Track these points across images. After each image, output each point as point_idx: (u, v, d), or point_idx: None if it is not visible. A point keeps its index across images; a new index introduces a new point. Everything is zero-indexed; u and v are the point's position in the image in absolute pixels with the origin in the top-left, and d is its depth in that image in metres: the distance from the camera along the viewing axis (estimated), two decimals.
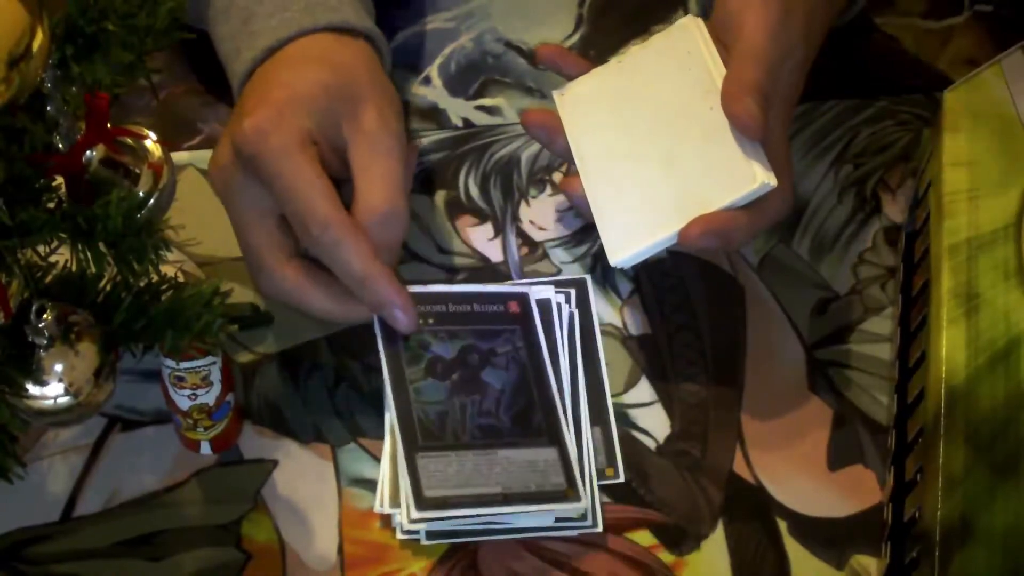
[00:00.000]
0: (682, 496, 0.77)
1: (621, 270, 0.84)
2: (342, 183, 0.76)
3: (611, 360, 0.81)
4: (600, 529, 0.76)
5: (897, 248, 0.85)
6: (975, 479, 0.70)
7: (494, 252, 0.85)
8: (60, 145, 0.67)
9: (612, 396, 0.80)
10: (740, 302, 0.84)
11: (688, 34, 0.81)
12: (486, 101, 0.91)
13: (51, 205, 0.66)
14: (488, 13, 0.95)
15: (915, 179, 0.87)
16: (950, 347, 0.73)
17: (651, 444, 0.79)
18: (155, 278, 0.70)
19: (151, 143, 0.73)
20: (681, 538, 0.76)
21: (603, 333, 0.82)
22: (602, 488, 0.77)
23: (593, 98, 0.82)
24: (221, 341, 0.73)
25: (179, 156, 0.87)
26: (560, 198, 0.87)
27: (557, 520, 0.76)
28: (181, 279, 0.71)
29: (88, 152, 0.70)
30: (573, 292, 0.83)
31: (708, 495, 0.78)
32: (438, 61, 0.92)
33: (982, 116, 0.81)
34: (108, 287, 0.70)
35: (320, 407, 0.80)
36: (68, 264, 0.69)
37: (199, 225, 0.80)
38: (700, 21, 0.81)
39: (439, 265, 0.85)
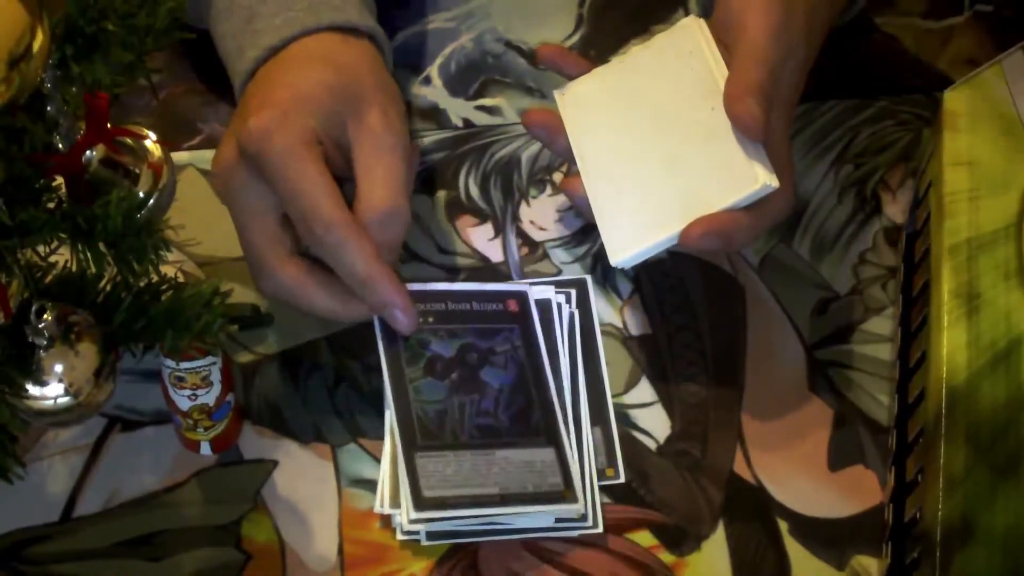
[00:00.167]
0: (682, 496, 0.77)
1: (621, 270, 0.84)
2: (344, 182, 0.76)
3: (611, 360, 0.81)
4: (600, 529, 0.76)
5: (898, 248, 0.85)
6: (976, 479, 0.70)
7: (494, 252, 0.85)
8: (60, 145, 0.67)
9: (612, 396, 0.80)
10: (740, 302, 0.84)
11: (690, 34, 0.81)
12: (486, 101, 0.91)
13: (51, 205, 0.66)
14: (488, 13, 0.95)
15: (915, 179, 0.87)
16: (951, 347, 0.73)
17: (651, 444, 0.79)
18: (155, 278, 0.70)
19: (151, 143, 0.73)
20: (681, 538, 0.76)
21: (603, 333, 0.82)
22: (602, 488, 0.77)
23: (594, 98, 0.82)
24: (221, 341, 0.73)
25: (179, 156, 0.87)
26: (560, 198, 0.87)
27: (557, 520, 0.76)
28: (181, 279, 0.71)
29: (88, 152, 0.70)
30: (573, 292, 0.83)
31: (708, 495, 0.78)
32: (438, 61, 0.92)
33: (982, 116, 0.81)
34: (108, 287, 0.70)
35: (320, 407, 0.80)
36: (68, 264, 0.69)
37: (199, 225, 0.80)
38: (702, 21, 0.81)
39: (439, 265, 0.84)
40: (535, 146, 0.89)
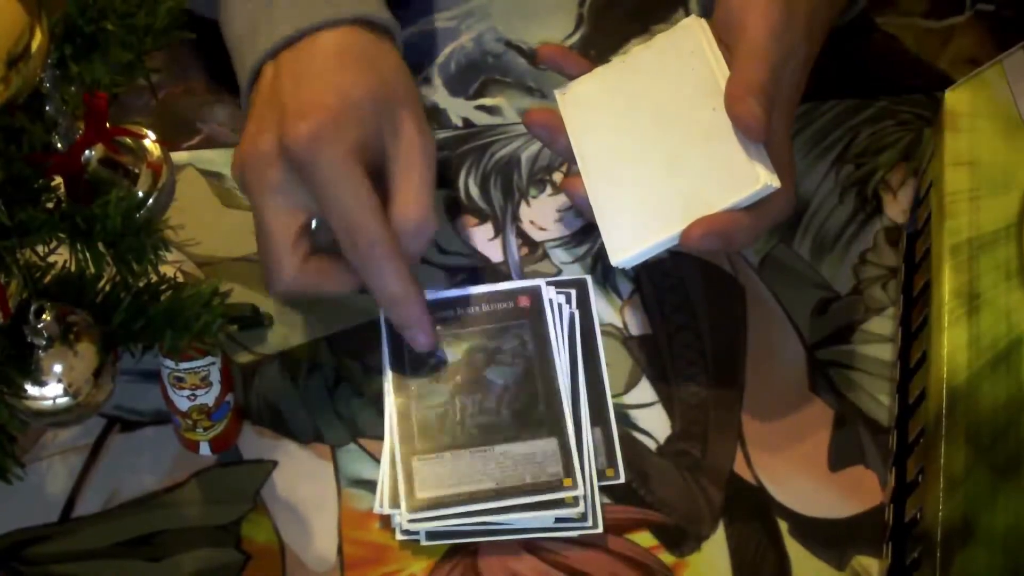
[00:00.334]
0: (682, 497, 0.77)
1: (622, 270, 0.84)
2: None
3: (611, 360, 0.81)
4: (600, 530, 0.76)
5: (898, 248, 0.85)
6: (976, 480, 0.70)
7: (494, 252, 0.85)
8: (59, 145, 0.67)
9: (612, 396, 0.80)
10: (741, 302, 0.84)
11: (691, 34, 0.81)
12: (486, 101, 0.91)
13: (50, 205, 0.66)
14: (488, 13, 0.94)
15: (916, 179, 0.87)
16: (951, 347, 0.73)
17: (651, 444, 0.79)
18: (154, 278, 0.70)
19: (150, 143, 0.73)
20: (681, 539, 0.76)
21: (603, 333, 0.82)
22: (602, 489, 0.77)
23: (595, 97, 0.82)
24: (220, 341, 0.73)
25: (178, 156, 0.87)
26: (560, 198, 0.87)
27: (557, 521, 0.76)
28: (180, 279, 0.71)
29: (87, 152, 0.70)
30: (573, 292, 0.83)
31: (708, 496, 0.77)
32: (438, 61, 0.92)
33: (983, 116, 0.80)
34: (107, 287, 0.70)
35: (320, 407, 0.80)
36: (67, 264, 0.69)
37: (198, 225, 0.80)
38: (703, 21, 0.81)
39: (439, 265, 0.84)
40: (535, 146, 0.89)
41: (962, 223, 0.77)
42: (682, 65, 0.80)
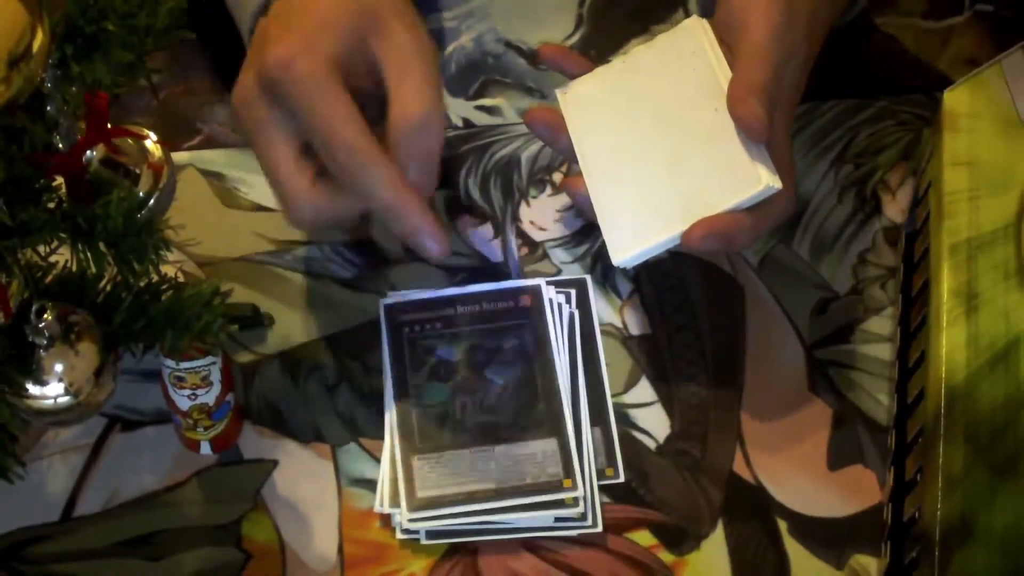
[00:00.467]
0: (682, 496, 0.78)
1: (621, 270, 0.84)
2: (366, 106, 0.74)
3: (611, 360, 0.81)
4: (600, 529, 0.76)
5: (897, 248, 0.85)
6: (975, 479, 0.70)
7: (494, 252, 0.85)
8: (60, 145, 0.67)
9: (612, 396, 0.80)
10: (740, 302, 0.84)
11: (693, 35, 0.81)
12: (486, 101, 0.91)
13: (51, 205, 0.66)
14: (488, 13, 0.95)
15: (915, 179, 0.87)
16: (950, 347, 0.74)
17: (651, 444, 0.79)
18: (155, 278, 0.70)
19: (151, 143, 0.73)
20: (681, 538, 0.76)
21: (603, 333, 0.82)
22: (602, 488, 0.77)
23: (596, 97, 0.82)
24: (221, 341, 0.73)
25: (179, 156, 0.87)
26: (560, 198, 0.87)
27: (557, 520, 0.76)
28: (181, 279, 0.71)
29: (88, 152, 0.70)
30: (573, 292, 0.83)
31: (708, 495, 0.78)
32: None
33: (982, 116, 0.81)
34: (108, 287, 0.70)
35: (320, 407, 0.80)
36: (68, 264, 0.69)
37: (199, 225, 0.81)
38: (705, 22, 0.81)
39: (439, 265, 0.85)
40: (535, 146, 0.89)
41: (961, 223, 0.77)
42: (684, 65, 0.80)
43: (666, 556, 0.76)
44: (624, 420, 0.80)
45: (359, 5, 0.75)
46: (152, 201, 0.72)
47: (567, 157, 0.85)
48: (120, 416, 0.80)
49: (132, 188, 0.71)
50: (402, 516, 0.75)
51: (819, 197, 0.87)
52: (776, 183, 0.75)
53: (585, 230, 0.86)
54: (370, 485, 0.77)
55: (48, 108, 0.66)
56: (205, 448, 0.78)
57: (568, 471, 0.76)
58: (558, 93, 0.83)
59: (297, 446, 0.79)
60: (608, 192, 0.79)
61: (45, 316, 0.67)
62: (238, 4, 0.81)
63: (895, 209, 0.87)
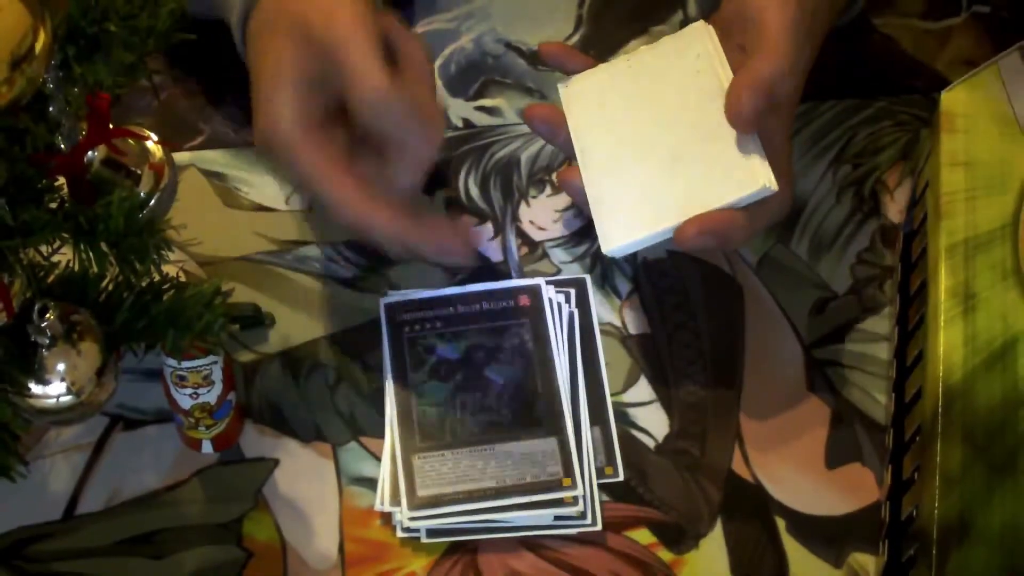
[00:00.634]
0: (681, 495, 0.78)
1: (621, 270, 0.84)
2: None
3: (610, 360, 0.82)
4: (599, 527, 0.76)
5: (895, 248, 0.85)
6: (972, 478, 0.70)
7: (494, 252, 0.86)
8: (62, 145, 0.67)
9: (611, 395, 0.80)
10: (739, 302, 0.84)
11: (699, 38, 0.81)
12: (486, 102, 0.91)
13: (53, 205, 0.66)
14: (488, 14, 0.95)
15: (913, 179, 0.87)
16: (947, 346, 0.74)
17: (650, 443, 0.79)
18: (157, 278, 0.70)
19: (152, 143, 0.73)
20: (680, 536, 0.77)
21: (602, 333, 0.82)
22: (601, 487, 0.77)
23: (598, 92, 0.82)
24: (222, 340, 0.73)
25: (180, 156, 0.87)
26: (560, 198, 0.87)
27: (556, 519, 0.76)
28: (183, 279, 0.71)
29: (90, 152, 0.70)
30: (573, 292, 0.83)
31: (707, 494, 0.78)
32: (438, 62, 0.93)
33: (980, 117, 0.81)
34: (110, 287, 0.71)
35: (321, 406, 0.80)
36: (70, 264, 0.69)
37: (200, 225, 0.81)
38: (711, 27, 0.81)
39: (439, 265, 0.85)
40: (535, 146, 0.89)
41: (958, 223, 0.78)
42: (687, 66, 0.80)
43: (665, 554, 0.76)
44: (623, 419, 0.80)
45: (312, 51, 0.75)
46: (153, 201, 0.72)
47: (566, 152, 0.85)
48: (122, 415, 0.80)
49: (133, 188, 0.71)
50: (402, 515, 0.75)
51: (817, 197, 0.87)
52: (773, 184, 0.75)
53: (585, 230, 0.86)
54: (371, 484, 0.77)
55: (50, 109, 0.66)
56: (206, 447, 0.78)
57: (568, 470, 0.76)
58: (559, 86, 0.83)
59: (298, 445, 0.79)
60: (603, 184, 0.79)
61: (47, 316, 0.67)
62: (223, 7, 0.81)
63: (893, 209, 0.87)
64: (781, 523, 0.77)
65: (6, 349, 0.68)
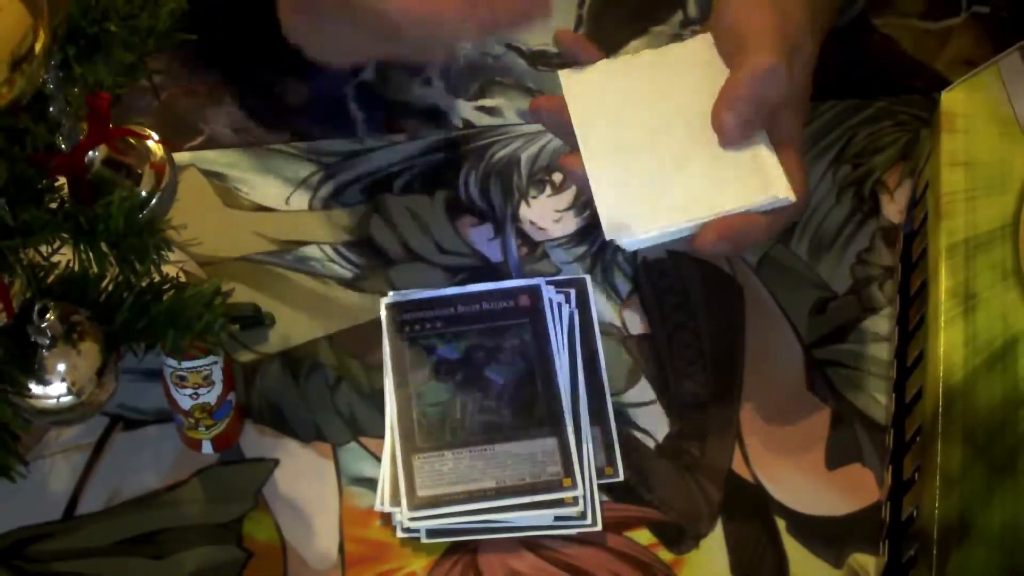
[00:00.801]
0: (681, 495, 0.78)
1: (621, 270, 0.84)
2: None
3: (611, 360, 0.82)
4: (599, 528, 0.76)
5: (895, 248, 0.85)
6: (973, 478, 0.70)
7: (494, 252, 0.86)
8: (62, 146, 0.67)
9: (612, 396, 0.80)
10: (739, 302, 0.84)
11: (707, 46, 0.80)
12: (486, 102, 0.91)
13: (53, 205, 0.66)
14: None
15: (913, 179, 0.87)
16: (948, 346, 0.74)
17: (650, 443, 0.79)
18: (157, 278, 0.70)
19: (153, 143, 0.73)
20: (680, 537, 0.77)
21: (603, 333, 0.82)
22: (601, 487, 0.77)
23: (600, 84, 0.81)
24: (222, 341, 0.73)
25: (181, 156, 0.87)
26: (560, 198, 0.87)
27: (556, 519, 0.76)
28: (183, 279, 0.72)
29: (90, 152, 0.70)
30: (573, 292, 0.83)
31: (707, 494, 0.78)
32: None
33: (980, 117, 0.81)
34: (110, 287, 0.71)
35: (321, 406, 0.80)
36: (70, 264, 0.69)
37: (200, 225, 0.81)
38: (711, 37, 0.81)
39: (439, 265, 0.85)
40: (535, 146, 0.89)
41: (958, 223, 0.78)
42: (697, 73, 0.79)
43: (665, 555, 0.76)
44: (623, 419, 0.80)
45: None
46: (154, 201, 0.72)
47: (570, 145, 0.84)
48: (122, 415, 0.80)
49: (134, 188, 0.71)
50: (402, 515, 0.75)
51: (817, 197, 0.87)
52: (791, 195, 0.74)
53: (585, 230, 0.86)
54: (371, 484, 0.78)
55: (50, 109, 0.66)
56: (206, 447, 0.78)
57: (568, 470, 0.76)
58: (560, 74, 0.82)
59: (298, 445, 0.79)
60: (607, 173, 0.78)
61: (47, 316, 0.67)
62: None
63: (893, 209, 0.87)
64: (781, 523, 0.77)
65: (6, 349, 0.68)
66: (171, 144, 0.76)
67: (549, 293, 0.82)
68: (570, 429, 0.78)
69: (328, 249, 0.85)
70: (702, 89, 0.78)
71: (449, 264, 0.85)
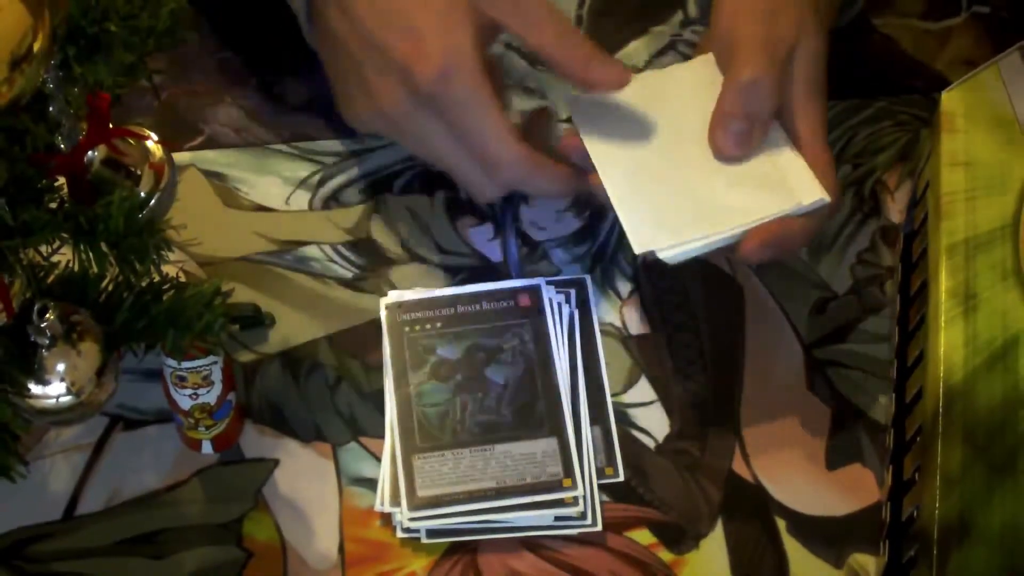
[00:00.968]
0: (681, 495, 0.78)
1: (621, 270, 0.84)
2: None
3: (611, 360, 0.82)
4: (599, 528, 0.76)
5: (895, 248, 0.85)
6: (973, 478, 0.70)
7: (494, 252, 0.86)
8: (62, 145, 0.67)
9: (612, 396, 0.80)
10: (739, 302, 0.84)
11: (710, 65, 0.80)
12: None
13: (53, 205, 0.66)
14: None
15: (913, 179, 0.87)
16: (948, 347, 0.74)
17: (650, 443, 0.79)
18: (157, 278, 0.70)
19: (152, 143, 0.73)
20: (680, 537, 0.77)
21: (603, 333, 0.82)
22: (602, 487, 0.77)
23: (610, 103, 0.81)
24: (222, 341, 0.73)
25: (180, 156, 0.87)
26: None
27: (557, 519, 0.76)
28: (182, 279, 0.72)
29: (90, 152, 0.70)
30: (573, 292, 0.83)
31: (707, 494, 0.78)
32: None
33: (980, 117, 0.81)
34: (110, 287, 0.71)
35: (321, 406, 0.80)
36: (70, 264, 0.69)
37: (200, 225, 0.81)
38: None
39: (439, 265, 0.85)
40: None
41: (958, 223, 0.78)
42: (706, 92, 0.79)
43: (665, 555, 0.76)
44: (624, 419, 0.80)
45: None
46: (153, 201, 0.72)
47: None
48: (122, 415, 0.80)
49: (133, 188, 0.72)
50: (402, 515, 0.75)
51: None
52: (825, 196, 0.75)
53: (585, 230, 0.86)
54: (371, 484, 0.77)
55: (50, 109, 0.66)
56: (206, 447, 0.78)
57: (568, 470, 0.76)
58: (566, 99, 0.82)
59: (298, 445, 0.79)
60: (630, 189, 0.77)
61: (47, 316, 0.67)
62: None
63: (893, 209, 0.87)
64: (782, 523, 0.77)
65: (6, 349, 0.68)
66: (171, 144, 0.76)
67: (549, 293, 0.82)
68: (570, 429, 0.78)
69: (328, 249, 0.85)
70: (709, 107, 0.78)
71: (449, 264, 0.85)
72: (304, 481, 0.78)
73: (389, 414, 0.79)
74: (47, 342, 0.68)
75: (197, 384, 0.75)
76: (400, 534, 0.76)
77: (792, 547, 0.76)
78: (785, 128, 0.78)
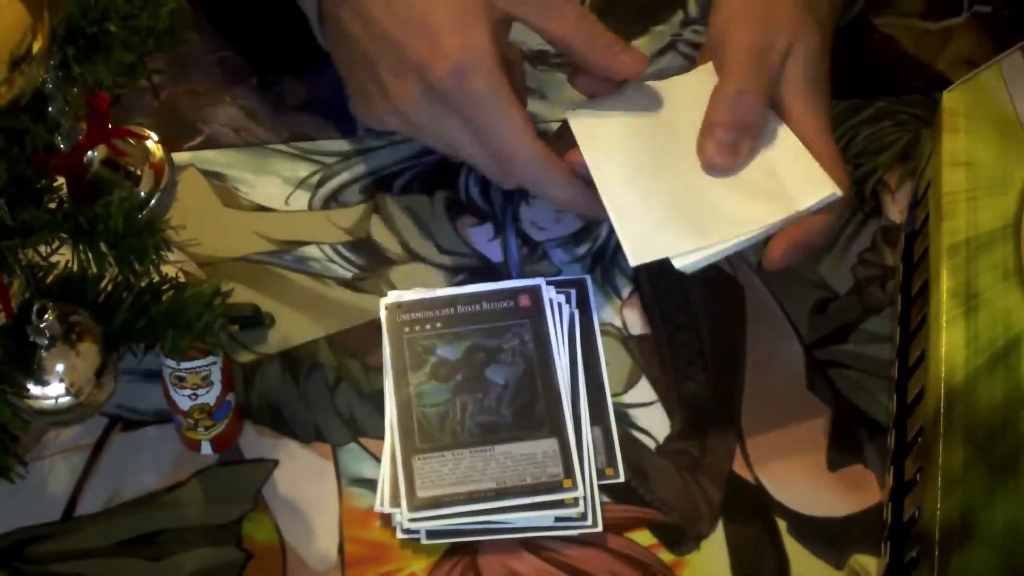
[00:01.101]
0: (682, 496, 0.78)
1: (621, 270, 0.84)
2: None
3: (611, 360, 0.81)
4: (600, 529, 0.76)
5: (896, 248, 0.85)
6: (974, 479, 0.70)
7: (494, 252, 0.85)
8: (61, 146, 0.67)
9: (612, 396, 0.80)
10: (740, 302, 0.84)
11: (713, 77, 0.80)
12: None
13: (52, 205, 0.66)
14: None
15: (914, 179, 0.87)
16: (949, 347, 0.74)
17: (651, 444, 0.79)
18: (156, 278, 0.70)
19: (152, 143, 0.73)
20: (681, 538, 0.76)
21: (603, 333, 0.82)
22: (602, 488, 0.77)
23: (609, 114, 0.81)
24: (222, 341, 0.73)
25: (180, 156, 0.87)
26: None
27: (557, 520, 0.76)
28: (182, 279, 0.71)
29: (89, 152, 0.70)
30: (573, 292, 0.83)
31: (708, 495, 0.78)
32: None
33: (981, 117, 0.81)
34: (109, 287, 0.71)
35: (320, 407, 0.80)
36: (69, 264, 0.69)
37: (200, 225, 0.81)
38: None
39: (439, 265, 0.85)
40: None
41: (960, 223, 0.77)
42: (706, 99, 0.79)
43: (666, 556, 0.76)
44: (624, 420, 0.80)
45: None
46: (153, 201, 0.72)
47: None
48: (121, 416, 0.80)
49: (133, 188, 0.71)
50: (402, 516, 0.75)
51: None
52: (837, 190, 0.75)
53: (585, 230, 0.86)
54: (370, 485, 0.77)
55: (50, 109, 0.66)
56: (206, 448, 0.78)
57: (568, 471, 0.76)
58: (567, 112, 0.82)
59: (298, 446, 0.79)
60: (628, 199, 0.77)
61: (46, 316, 0.67)
62: None
63: (894, 209, 0.87)
64: (782, 524, 0.77)
65: (5, 349, 0.68)
66: (170, 144, 0.76)
67: (549, 293, 0.82)
68: (570, 430, 0.78)
69: (328, 249, 0.85)
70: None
71: (449, 264, 0.85)
72: (304, 482, 0.78)
73: (389, 414, 0.78)
74: (46, 342, 0.68)
75: (196, 385, 0.75)
76: (400, 535, 0.76)
77: (793, 548, 0.76)
78: (790, 127, 0.78)
